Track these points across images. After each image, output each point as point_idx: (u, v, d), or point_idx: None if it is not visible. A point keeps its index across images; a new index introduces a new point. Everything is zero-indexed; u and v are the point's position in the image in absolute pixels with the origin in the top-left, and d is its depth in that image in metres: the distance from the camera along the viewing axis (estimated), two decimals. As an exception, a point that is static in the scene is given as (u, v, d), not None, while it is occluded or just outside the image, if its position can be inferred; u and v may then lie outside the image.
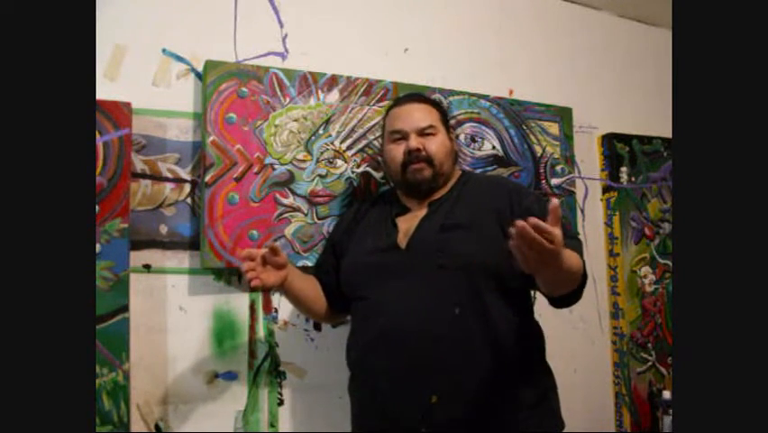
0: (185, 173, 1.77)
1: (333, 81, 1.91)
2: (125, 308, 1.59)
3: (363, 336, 1.57)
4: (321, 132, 1.88)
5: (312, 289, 1.70)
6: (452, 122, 2.10)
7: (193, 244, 1.75)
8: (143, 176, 1.71)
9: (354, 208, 1.80)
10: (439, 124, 1.66)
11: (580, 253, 1.46)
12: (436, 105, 1.72)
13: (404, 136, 1.63)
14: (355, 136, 1.92)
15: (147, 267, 1.70)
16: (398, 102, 1.73)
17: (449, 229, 1.54)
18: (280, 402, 1.84)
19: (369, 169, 1.94)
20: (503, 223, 1.42)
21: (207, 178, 1.71)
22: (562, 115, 2.36)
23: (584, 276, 1.46)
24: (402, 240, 1.58)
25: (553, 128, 2.33)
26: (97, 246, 1.56)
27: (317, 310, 1.71)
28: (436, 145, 1.62)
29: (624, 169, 2.49)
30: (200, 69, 1.79)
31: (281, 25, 1.93)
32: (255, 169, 1.77)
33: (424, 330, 1.46)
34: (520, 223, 1.14)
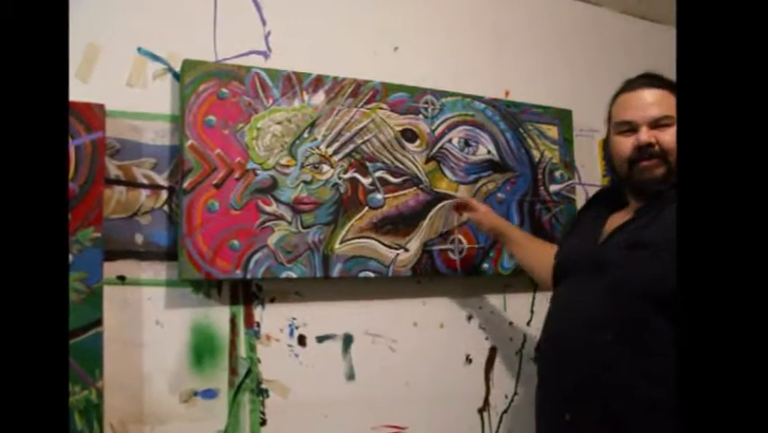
0: (161, 179, 1.79)
1: (318, 82, 1.94)
2: (99, 322, 1.61)
3: (543, 332, 1.75)
4: (306, 135, 1.90)
5: (534, 259, 1.96)
6: (444, 126, 2.13)
7: (170, 255, 1.77)
8: (117, 182, 1.73)
9: (586, 201, 1.92)
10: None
11: None
12: (675, 89, 1.53)
13: (633, 128, 1.59)
14: (342, 140, 1.95)
15: (121, 279, 1.72)
16: (629, 86, 1.66)
17: (633, 247, 1.52)
18: (263, 422, 1.85)
19: (356, 174, 1.96)
20: None
21: (185, 184, 1.73)
22: (562, 118, 2.39)
23: None
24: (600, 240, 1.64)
25: (552, 131, 2.36)
26: (69, 257, 1.57)
27: (540, 279, 1.94)
28: (672, 138, 1.54)
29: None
30: (177, 68, 1.81)
31: (264, 23, 1.96)
32: (236, 174, 1.79)
33: (574, 348, 1.56)
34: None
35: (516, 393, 2.28)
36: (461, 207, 2.09)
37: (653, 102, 1.59)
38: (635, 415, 1.45)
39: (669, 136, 1.55)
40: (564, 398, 1.58)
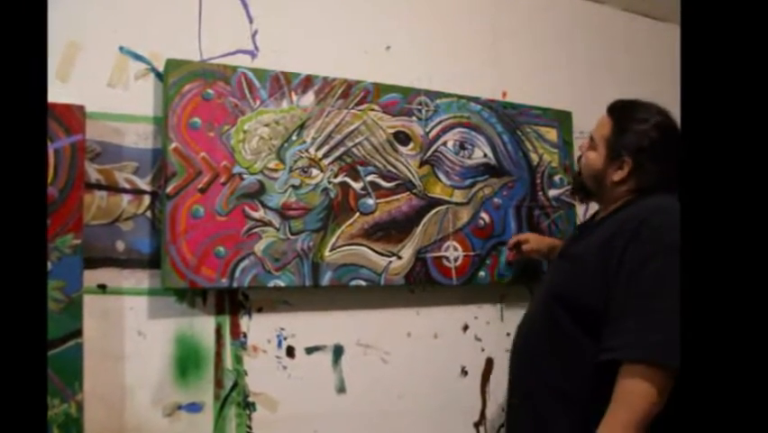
0: (144, 184, 1.79)
1: (307, 82, 1.94)
2: (78, 333, 1.60)
3: None
4: (294, 138, 1.91)
5: None
6: (438, 128, 2.13)
7: (153, 262, 1.77)
8: (98, 187, 1.73)
9: None
10: (600, 141, 1.72)
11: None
12: (619, 119, 1.70)
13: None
14: (332, 143, 1.95)
15: (102, 287, 1.72)
16: None
17: (562, 257, 1.79)
18: (249, 437, 1.86)
19: (347, 179, 1.96)
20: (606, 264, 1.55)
21: (169, 189, 1.73)
22: (561, 120, 2.40)
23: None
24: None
25: (551, 134, 2.37)
26: (47, 264, 1.57)
27: None
28: (585, 159, 1.77)
29: (628, 178, 2.53)
30: (161, 68, 1.81)
31: (251, 21, 1.96)
32: (222, 179, 1.80)
33: (518, 345, 1.80)
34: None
35: (513, 407, 2.28)
36: (514, 247, 2.22)
37: (598, 123, 1.77)
38: (552, 407, 1.61)
39: (585, 157, 1.78)
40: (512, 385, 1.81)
